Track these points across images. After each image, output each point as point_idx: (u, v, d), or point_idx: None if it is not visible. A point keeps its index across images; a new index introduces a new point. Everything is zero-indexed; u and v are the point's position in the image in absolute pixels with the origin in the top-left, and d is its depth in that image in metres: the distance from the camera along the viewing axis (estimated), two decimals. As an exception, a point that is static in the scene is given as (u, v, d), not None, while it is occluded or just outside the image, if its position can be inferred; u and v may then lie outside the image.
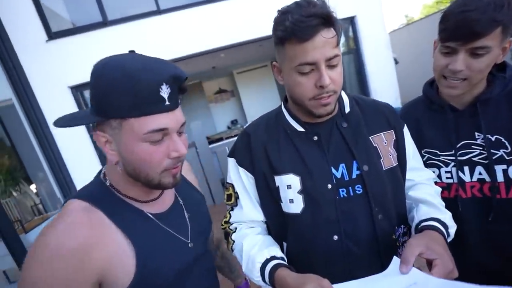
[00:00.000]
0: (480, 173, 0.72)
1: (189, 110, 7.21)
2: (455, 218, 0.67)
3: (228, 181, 0.74)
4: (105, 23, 3.35)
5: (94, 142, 3.47)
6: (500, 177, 0.69)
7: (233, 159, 0.73)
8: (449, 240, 0.62)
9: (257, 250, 0.64)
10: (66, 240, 0.44)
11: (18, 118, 3.17)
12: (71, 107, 3.37)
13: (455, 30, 0.62)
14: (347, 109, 0.68)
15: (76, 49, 3.30)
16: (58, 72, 3.28)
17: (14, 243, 2.40)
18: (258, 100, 8.65)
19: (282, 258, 0.63)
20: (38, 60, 3.21)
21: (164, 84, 0.44)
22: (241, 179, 0.71)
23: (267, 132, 0.70)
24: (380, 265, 0.59)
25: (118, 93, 0.43)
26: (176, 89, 0.47)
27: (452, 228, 0.64)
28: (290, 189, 0.64)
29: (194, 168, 0.69)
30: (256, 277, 0.63)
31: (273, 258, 0.62)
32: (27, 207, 3.27)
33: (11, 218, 2.66)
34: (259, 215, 0.72)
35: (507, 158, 0.68)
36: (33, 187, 3.46)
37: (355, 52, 4.15)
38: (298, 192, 0.64)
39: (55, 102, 3.31)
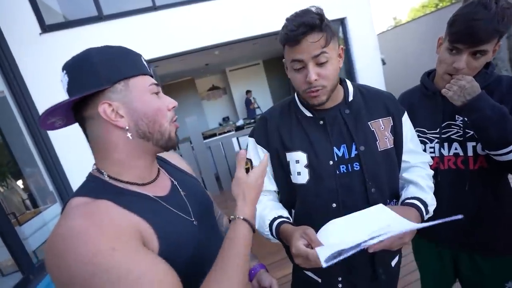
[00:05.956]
0: (456, 148, 0.87)
1: (182, 106, 7.22)
2: (435, 185, 0.80)
3: (248, 157, 0.82)
4: (100, 17, 3.35)
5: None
6: (470, 152, 0.84)
7: (252, 138, 0.85)
8: (427, 216, 0.74)
9: (267, 211, 0.77)
10: (92, 221, 0.42)
11: (10, 110, 3.13)
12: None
13: (464, 35, 0.73)
14: (350, 98, 0.78)
15: (71, 42, 3.28)
16: (51, 65, 3.26)
17: (9, 235, 2.40)
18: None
19: (287, 218, 0.75)
20: (32, 52, 3.18)
21: (142, 57, 0.55)
22: (258, 155, 0.82)
23: (281, 116, 0.81)
24: None
25: (119, 60, 0.51)
26: None
27: (432, 206, 0.75)
28: (298, 164, 0.76)
29: (188, 162, 0.79)
30: (266, 231, 0.75)
31: (280, 217, 0.74)
32: (19, 202, 3.24)
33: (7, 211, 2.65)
34: (272, 186, 0.83)
35: (476, 136, 0.81)
36: (24, 181, 3.43)
37: (345, 52, 4.31)
38: (304, 166, 0.75)
39: (48, 95, 3.28)
